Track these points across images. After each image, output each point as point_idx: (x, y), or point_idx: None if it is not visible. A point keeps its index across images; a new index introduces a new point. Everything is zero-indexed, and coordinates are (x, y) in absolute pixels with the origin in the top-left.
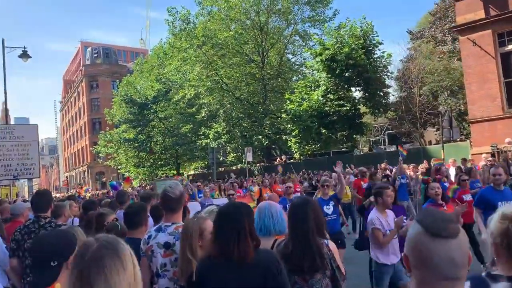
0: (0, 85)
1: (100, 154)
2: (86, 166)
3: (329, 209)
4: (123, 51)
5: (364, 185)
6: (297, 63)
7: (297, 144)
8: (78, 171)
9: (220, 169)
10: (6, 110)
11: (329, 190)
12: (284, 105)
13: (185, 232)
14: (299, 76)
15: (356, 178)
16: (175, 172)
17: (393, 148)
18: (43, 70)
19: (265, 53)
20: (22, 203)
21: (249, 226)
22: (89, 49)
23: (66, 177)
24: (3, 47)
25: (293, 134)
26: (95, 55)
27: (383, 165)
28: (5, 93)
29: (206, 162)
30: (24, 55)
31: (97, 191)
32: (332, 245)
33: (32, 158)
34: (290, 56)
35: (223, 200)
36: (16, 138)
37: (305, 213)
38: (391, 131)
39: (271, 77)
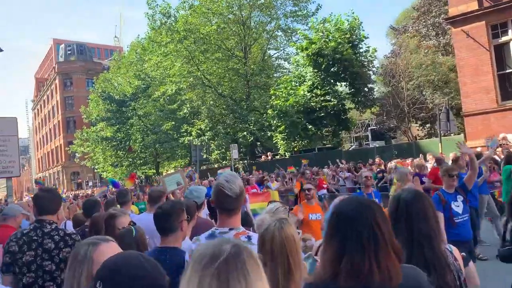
0: None
1: (77, 154)
2: (60, 166)
3: (458, 206)
4: (96, 48)
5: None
6: (281, 58)
7: (283, 141)
8: (52, 171)
9: (202, 167)
10: None
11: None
12: (269, 100)
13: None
14: (283, 71)
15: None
16: (154, 171)
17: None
18: (12, 69)
19: (247, 48)
20: (18, 206)
21: (389, 232)
22: (62, 45)
23: (40, 177)
24: None
25: (279, 130)
26: (69, 52)
27: (377, 160)
28: None
29: (187, 161)
30: None
31: (72, 192)
32: (456, 252)
33: (11, 155)
34: (273, 51)
35: None
36: None
37: (424, 210)
38: (374, 127)
39: (254, 73)
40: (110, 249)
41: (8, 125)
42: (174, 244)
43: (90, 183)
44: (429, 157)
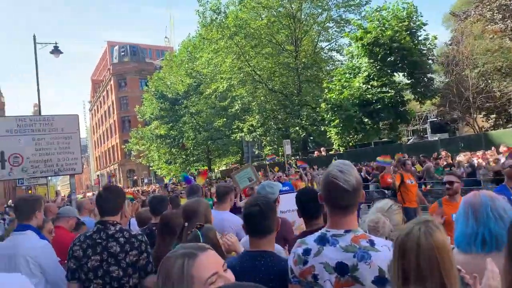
0: (29, 87)
1: (132, 152)
2: (117, 164)
3: None
4: (148, 49)
5: None
6: (333, 50)
7: (338, 135)
8: (109, 169)
9: (254, 163)
10: (39, 107)
11: None
12: (322, 94)
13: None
14: (335, 64)
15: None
16: (206, 168)
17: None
18: (70, 70)
19: (298, 42)
20: (73, 208)
21: None
22: (116, 47)
23: (98, 175)
24: (35, 43)
25: (333, 124)
26: (122, 53)
27: (443, 153)
28: (38, 91)
29: (238, 157)
30: (56, 50)
31: (129, 189)
32: None
33: (74, 152)
34: (324, 43)
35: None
36: (55, 130)
37: None
38: (434, 119)
39: (305, 66)
40: (210, 259)
41: (70, 122)
42: (268, 248)
43: (146, 180)
44: (503, 149)
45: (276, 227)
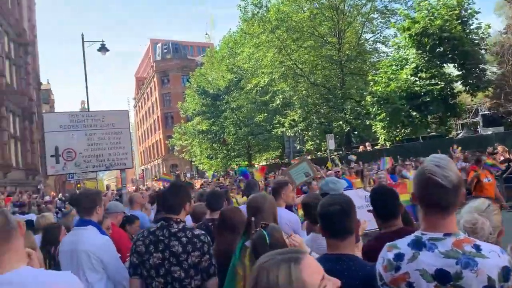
0: (74, 86)
1: (175, 147)
2: (160, 159)
3: None
4: (189, 46)
5: None
6: (378, 41)
7: (384, 129)
8: (153, 164)
9: (295, 158)
10: (88, 104)
11: None
12: (367, 87)
13: None
14: (380, 56)
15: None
16: (247, 163)
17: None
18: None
19: (341, 34)
20: (120, 204)
21: None
22: (159, 45)
23: (142, 170)
24: (83, 41)
25: (379, 118)
26: (165, 50)
27: (500, 148)
28: (86, 88)
29: (279, 152)
30: (103, 48)
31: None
32: None
33: (124, 147)
34: (368, 35)
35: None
36: (107, 126)
37: None
38: (486, 112)
39: (349, 59)
40: (314, 262)
41: (120, 118)
42: (349, 251)
43: (188, 175)
44: None
45: (356, 228)
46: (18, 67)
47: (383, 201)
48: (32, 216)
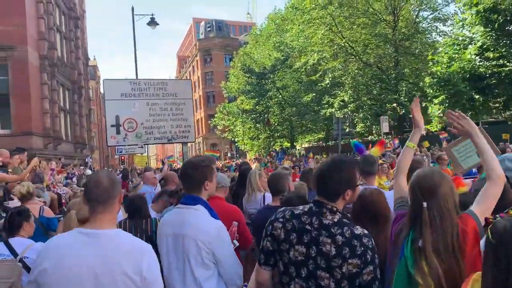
0: (119, 61)
1: (218, 126)
2: (201, 137)
3: None
4: (231, 25)
5: None
6: (437, 19)
7: (442, 112)
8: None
9: (342, 141)
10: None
11: None
12: (426, 67)
13: None
14: (438, 34)
15: None
16: (289, 144)
17: None
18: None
19: (397, 11)
20: (226, 177)
21: None
22: (202, 23)
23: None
24: (133, 14)
25: (438, 100)
26: (209, 29)
27: None
28: (136, 61)
29: (322, 134)
30: (152, 22)
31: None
32: None
33: (187, 119)
34: (426, 13)
35: None
36: (169, 96)
37: None
38: None
39: (404, 38)
40: None
41: (183, 88)
42: None
43: (229, 154)
44: None
45: None
46: (68, 41)
47: None
48: None
